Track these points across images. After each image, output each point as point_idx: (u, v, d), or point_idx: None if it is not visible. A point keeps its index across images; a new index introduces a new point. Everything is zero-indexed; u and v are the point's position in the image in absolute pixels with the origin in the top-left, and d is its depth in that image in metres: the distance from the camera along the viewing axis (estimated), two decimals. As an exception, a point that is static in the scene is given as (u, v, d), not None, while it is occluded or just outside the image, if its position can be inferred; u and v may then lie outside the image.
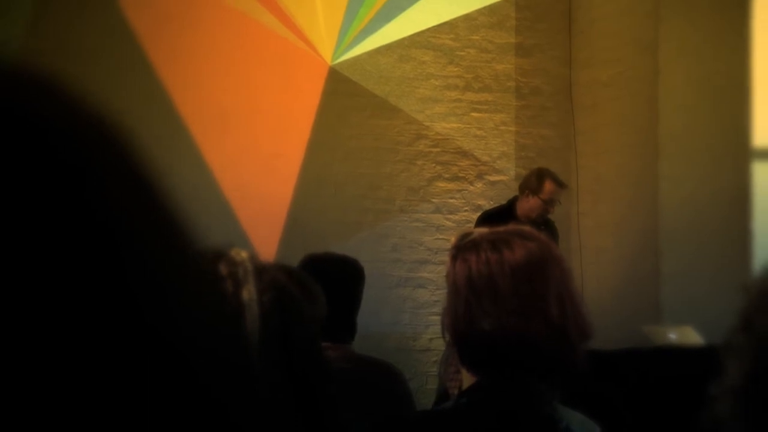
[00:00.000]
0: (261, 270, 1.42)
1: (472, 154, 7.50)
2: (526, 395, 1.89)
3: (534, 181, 6.46)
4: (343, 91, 7.43)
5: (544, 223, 6.31)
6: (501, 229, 2.01)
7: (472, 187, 7.59)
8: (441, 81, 7.69)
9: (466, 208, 7.55)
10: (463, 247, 1.96)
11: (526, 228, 2.01)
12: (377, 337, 6.87)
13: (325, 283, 2.91)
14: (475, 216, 6.95)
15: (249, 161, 7.16)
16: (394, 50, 7.59)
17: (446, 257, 2.01)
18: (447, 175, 7.58)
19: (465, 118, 7.69)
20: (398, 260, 7.44)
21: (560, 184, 6.48)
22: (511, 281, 1.89)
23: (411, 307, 7.42)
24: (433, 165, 7.57)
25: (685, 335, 5.78)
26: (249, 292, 1.36)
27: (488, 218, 6.36)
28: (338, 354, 3.19)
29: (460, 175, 7.58)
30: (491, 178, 7.56)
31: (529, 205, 6.43)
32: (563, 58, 7.87)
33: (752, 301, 1.09)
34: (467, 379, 1.96)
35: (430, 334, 7.22)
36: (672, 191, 6.82)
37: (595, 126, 7.57)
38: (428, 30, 7.65)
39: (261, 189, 7.15)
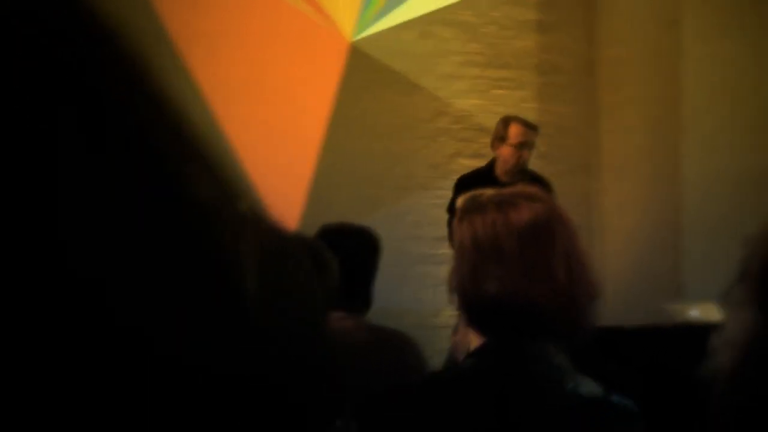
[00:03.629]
0: (260, 222, 1.41)
1: (493, 131, 7.46)
2: (533, 357, 1.89)
3: (501, 128, 6.23)
4: (363, 68, 7.41)
5: (534, 179, 5.96)
6: (508, 190, 2.01)
7: (493, 164, 7.57)
8: (462, 58, 7.66)
9: (487, 186, 7.53)
10: (470, 210, 1.95)
11: (533, 189, 2.00)
12: (398, 313, 6.87)
13: (339, 253, 2.93)
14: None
15: (269, 138, 7.16)
16: (414, 27, 7.56)
17: None
18: (468, 152, 7.55)
19: (486, 95, 7.66)
20: (419, 237, 7.43)
21: (528, 126, 6.22)
22: (516, 243, 1.88)
23: (432, 284, 7.41)
24: (454, 142, 7.55)
25: (707, 312, 5.76)
26: (247, 245, 1.35)
27: (465, 182, 6.05)
28: (353, 324, 3.19)
29: (481, 152, 7.53)
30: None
31: (502, 156, 6.18)
32: (585, 35, 7.82)
33: (749, 249, 1.08)
34: (474, 341, 1.96)
35: (452, 310, 7.20)
36: (694, 170, 6.79)
37: (616, 104, 7.52)
38: (449, 6, 7.62)
39: (281, 166, 7.15)
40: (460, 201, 1.97)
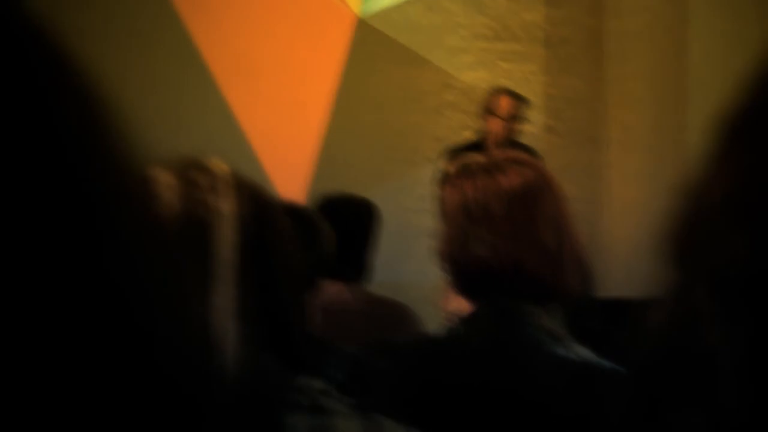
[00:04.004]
0: (241, 184, 1.41)
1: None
2: (521, 320, 1.89)
3: (489, 100, 6.19)
4: (370, 42, 7.40)
5: (524, 150, 5.91)
6: (497, 156, 2.01)
7: (500, 138, 7.54)
8: (469, 31, 7.64)
9: (494, 159, 7.49)
10: (459, 175, 1.96)
11: (523, 155, 2.00)
12: (404, 286, 6.87)
13: (338, 223, 2.93)
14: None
15: (276, 111, 7.16)
16: (422, 0, 7.54)
17: None
18: (475, 125, 7.55)
19: (493, 68, 7.64)
20: (425, 210, 7.41)
21: (517, 98, 6.19)
22: (505, 207, 1.89)
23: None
24: (461, 115, 7.53)
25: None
26: (228, 204, 1.35)
27: (455, 155, 5.87)
28: (351, 294, 3.21)
29: (488, 125, 7.53)
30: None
31: (492, 128, 6.15)
32: (592, 7, 7.78)
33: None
34: (463, 306, 1.97)
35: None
36: (701, 143, 6.75)
37: (624, 76, 7.50)
38: (456, -21, 7.60)
39: (287, 138, 7.16)
40: (449, 167, 1.97)
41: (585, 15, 7.80)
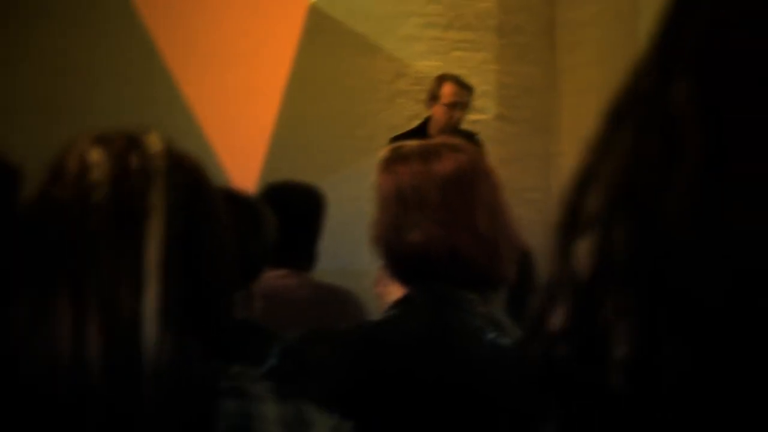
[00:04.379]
0: (177, 164, 1.35)
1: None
2: (453, 306, 1.89)
3: (435, 87, 6.15)
4: (323, 29, 7.37)
5: (467, 136, 5.73)
6: (432, 141, 2.01)
7: (453, 126, 7.54)
8: (422, 19, 7.63)
9: (448, 148, 7.49)
10: (393, 160, 1.95)
11: (457, 140, 2.00)
12: (357, 274, 6.86)
13: (282, 210, 2.92)
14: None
15: (228, 98, 7.11)
16: (375, -13, 7.52)
17: None
18: (427, 114, 7.55)
19: (446, 56, 7.63)
20: (378, 199, 7.41)
21: (462, 85, 6.14)
22: (439, 192, 1.88)
23: (391, 246, 7.40)
24: (413, 104, 7.51)
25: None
26: (158, 191, 1.29)
27: (398, 141, 5.86)
28: (296, 281, 3.20)
29: (441, 114, 7.52)
30: (472, 117, 7.50)
31: (436, 115, 6.11)
32: (545, -5, 7.81)
33: None
34: (397, 292, 1.96)
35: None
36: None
37: (577, 65, 7.52)
38: (410, -33, 7.59)
39: (240, 126, 7.12)
40: (383, 152, 1.96)
41: (539, 3, 7.81)
